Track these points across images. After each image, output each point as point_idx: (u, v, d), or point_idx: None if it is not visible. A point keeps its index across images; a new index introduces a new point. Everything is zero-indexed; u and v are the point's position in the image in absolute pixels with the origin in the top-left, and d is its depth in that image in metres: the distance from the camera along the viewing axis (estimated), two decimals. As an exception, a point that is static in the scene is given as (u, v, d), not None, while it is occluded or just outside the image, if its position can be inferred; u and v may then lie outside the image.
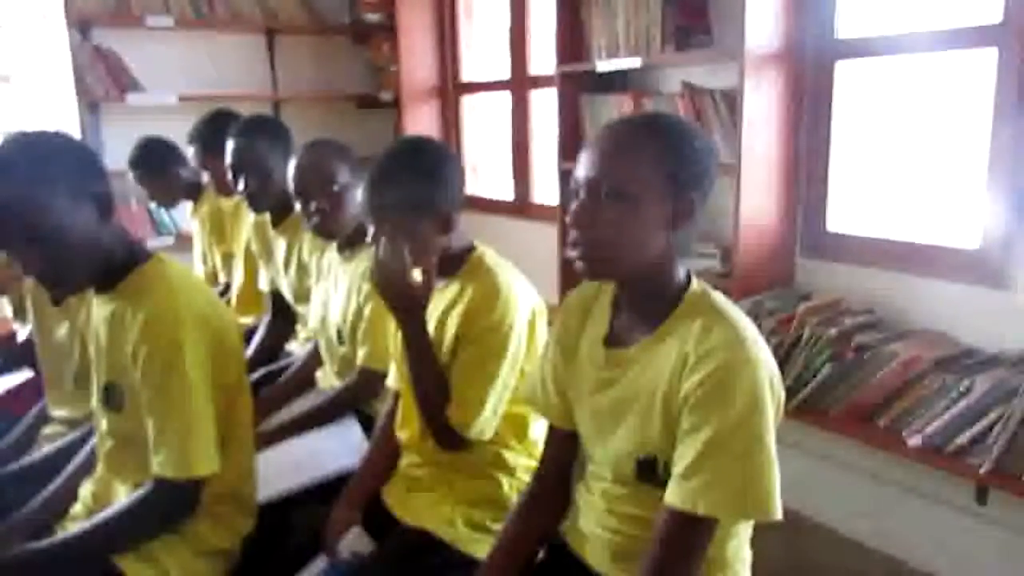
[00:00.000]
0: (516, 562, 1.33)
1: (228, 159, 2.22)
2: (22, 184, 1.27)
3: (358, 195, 1.57)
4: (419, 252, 1.46)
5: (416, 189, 1.47)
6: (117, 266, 1.42)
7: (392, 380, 1.73)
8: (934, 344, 2.16)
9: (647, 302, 1.18)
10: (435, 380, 1.51)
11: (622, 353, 1.20)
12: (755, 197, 2.45)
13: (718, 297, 1.17)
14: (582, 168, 1.14)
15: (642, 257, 1.13)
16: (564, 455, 1.37)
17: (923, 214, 2.36)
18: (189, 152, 2.84)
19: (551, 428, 1.38)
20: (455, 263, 1.56)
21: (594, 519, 1.28)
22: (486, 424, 1.49)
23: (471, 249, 1.58)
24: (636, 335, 1.19)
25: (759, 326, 2.33)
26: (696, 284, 1.18)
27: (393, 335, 1.67)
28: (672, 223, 1.12)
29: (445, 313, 1.54)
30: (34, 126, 1.38)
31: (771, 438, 1.06)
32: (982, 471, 1.90)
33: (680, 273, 1.19)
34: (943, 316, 2.23)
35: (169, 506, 1.41)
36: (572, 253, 1.15)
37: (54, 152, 1.32)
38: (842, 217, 2.54)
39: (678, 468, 1.07)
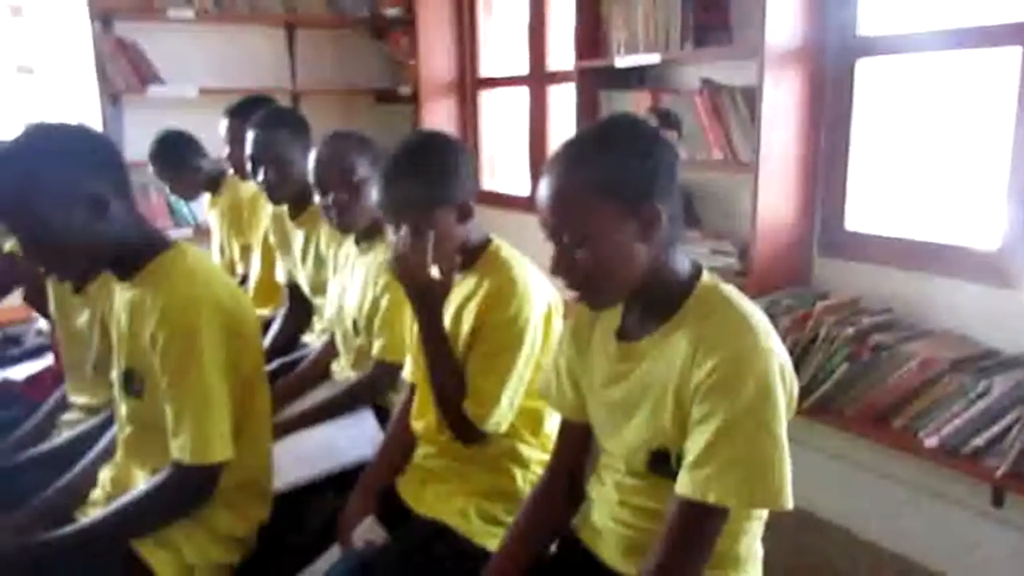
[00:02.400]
0: (526, 555, 1.33)
1: (248, 150, 2.23)
2: (14, 180, 1.29)
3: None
4: (439, 244, 1.47)
5: (431, 181, 1.47)
6: (135, 255, 1.43)
7: (408, 372, 1.74)
8: (952, 345, 2.14)
9: (655, 299, 1.18)
10: (452, 372, 1.51)
11: (634, 346, 1.20)
12: (773, 195, 2.44)
13: (729, 289, 1.16)
14: (539, 212, 1.14)
15: (632, 276, 1.13)
16: (577, 449, 1.37)
17: (942, 214, 2.35)
18: (222, 125, 2.84)
19: (564, 422, 1.38)
20: (471, 256, 1.56)
21: (607, 512, 1.28)
22: (502, 417, 1.50)
23: (487, 242, 1.59)
24: (648, 328, 1.19)
25: (775, 324, 2.33)
26: (707, 276, 1.18)
27: (410, 327, 1.68)
28: (644, 235, 1.11)
29: (462, 306, 1.55)
30: (54, 118, 1.40)
31: (782, 427, 1.06)
32: (999, 473, 1.89)
33: (684, 266, 1.17)
34: (961, 317, 2.21)
35: (187, 491, 1.42)
36: (569, 293, 1.17)
37: (53, 148, 1.32)
38: (861, 216, 2.52)
39: (689, 457, 1.07)
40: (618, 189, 1.09)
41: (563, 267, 1.13)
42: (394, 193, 1.48)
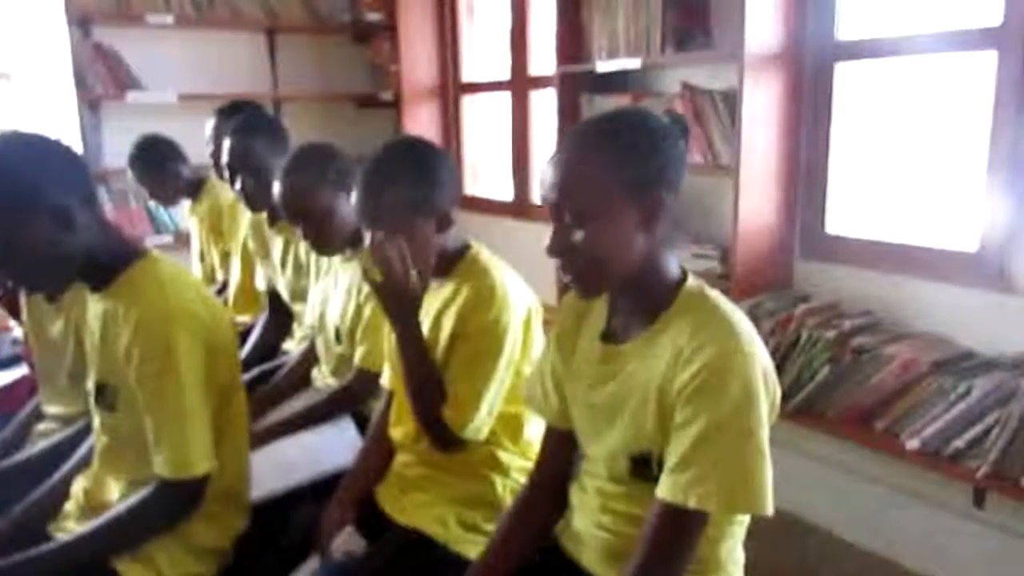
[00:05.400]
0: (508, 564, 1.32)
1: (224, 158, 2.21)
2: None
3: (349, 202, 1.55)
4: (418, 252, 1.46)
5: (412, 189, 1.46)
6: (105, 265, 1.41)
7: (386, 379, 1.72)
8: (932, 346, 2.15)
9: (641, 300, 1.18)
10: (429, 379, 1.50)
11: (618, 349, 1.19)
12: (754, 198, 2.45)
13: (713, 293, 1.16)
14: (545, 191, 1.13)
15: (627, 265, 1.13)
16: (562, 456, 1.35)
17: (922, 216, 2.36)
18: (208, 124, 2.82)
19: (549, 428, 1.37)
20: (450, 262, 1.55)
21: (588, 517, 1.27)
22: (481, 424, 1.49)
23: (466, 248, 1.58)
24: (632, 331, 1.18)
25: (757, 327, 2.33)
26: (691, 280, 1.18)
27: (388, 335, 1.67)
28: (646, 225, 1.11)
29: (440, 313, 1.54)
30: (32, 125, 1.37)
31: (764, 433, 1.05)
32: (980, 474, 1.90)
33: (672, 268, 1.18)
34: (941, 318, 2.22)
35: (171, 506, 1.41)
36: (563, 277, 1.16)
37: (13, 160, 1.29)
38: (841, 219, 2.53)
39: (670, 461, 1.07)
40: (629, 174, 1.09)
41: (561, 246, 1.12)
42: (373, 201, 1.46)
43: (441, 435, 1.49)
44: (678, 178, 1.13)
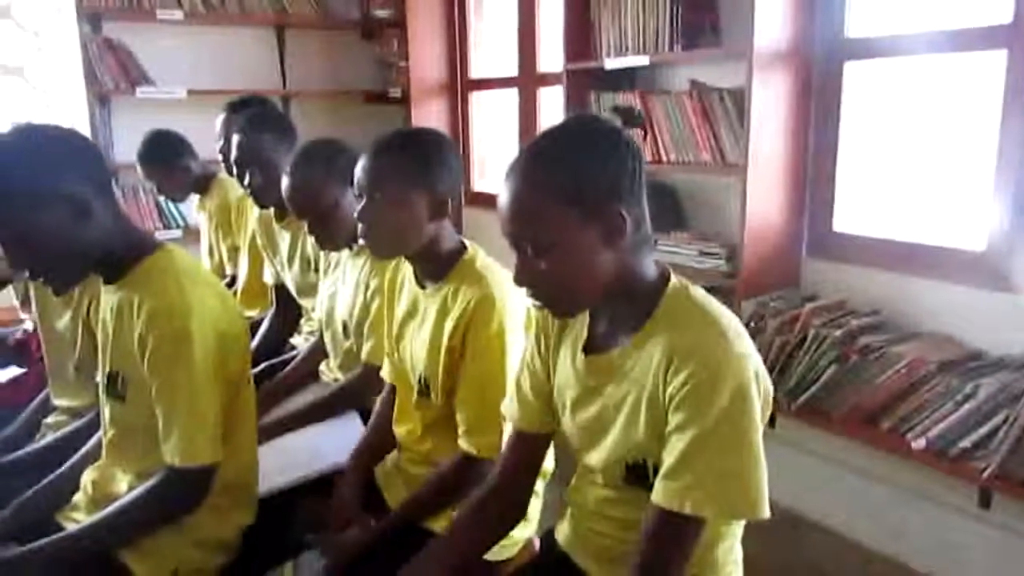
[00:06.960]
0: (463, 561, 1.29)
1: (233, 154, 2.22)
2: None
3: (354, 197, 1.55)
4: (408, 228, 1.46)
5: (411, 160, 1.46)
6: (120, 257, 1.42)
7: (386, 374, 1.73)
8: (939, 346, 2.14)
9: (623, 309, 1.14)
10: (437, 503, 1.51)
11: (604, 359, 1.16)
12: (762, 197, 2.44)
13: (698, 293, 1.12)
14: (501, 224, 1.10)
15: (597, 285, 1.09)
16: (533, 458, 1.32)
17: (930, 215, 2.35)
18: (219, 119, 2.82)
19: (521, 434, 1.31)
20: (446, 264, 1.53)
21: (586, 522, 1.27)
22: (503, 437, 1.45)
23: (462, 250, 1.55)
24: (618, 339, 1.15)
25: (764, 326, 2.35)
26: (675, 281, 1.13)
27: (388, 332, 1.68)
28: (609, 241, 1.06)
29: (440, 317, 1.52)
30: (43, 119, 1.38)
31: (758, 435, 1.03)
32: (986, 475, 1.89)
33: (651, 272, 1.13)
34: (949, 318, 2.22)
35: (178, 494, 1.41)
36: (534, 304, 1.13)
37: (33, 150, 1.30)
38: (849, 218, 2.53)
39: (665, 467, 1.05)
40: (578, 194, 1.04)
41: (526, 278, 1.09)
42: (372, 166, 1.47)
43: (476, 472, 1.46)
44: (636, 184, 1.07)
